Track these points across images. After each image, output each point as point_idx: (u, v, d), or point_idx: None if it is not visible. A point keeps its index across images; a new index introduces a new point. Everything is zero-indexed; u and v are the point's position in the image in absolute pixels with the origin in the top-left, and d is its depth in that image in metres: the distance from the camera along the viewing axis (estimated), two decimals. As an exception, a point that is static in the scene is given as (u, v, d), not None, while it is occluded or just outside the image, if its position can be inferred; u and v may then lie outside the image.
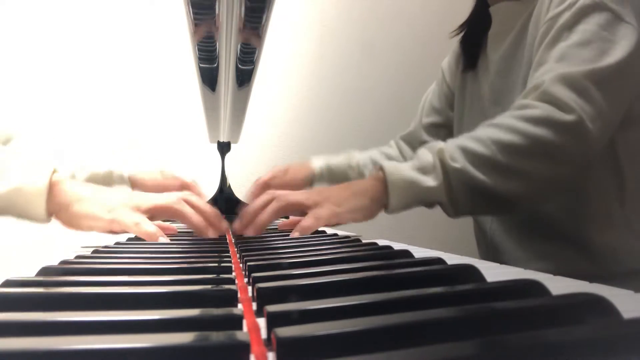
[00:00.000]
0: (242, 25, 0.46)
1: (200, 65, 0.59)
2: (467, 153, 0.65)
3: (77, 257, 0.46)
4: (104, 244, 0.59)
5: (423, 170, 0.66)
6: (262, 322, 0.26)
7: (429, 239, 1.58)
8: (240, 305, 0.29)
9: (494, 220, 0.89)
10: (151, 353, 0.19)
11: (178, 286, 0.31)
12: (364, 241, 0.57)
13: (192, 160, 1.46)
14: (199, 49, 0.54)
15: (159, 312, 0.24)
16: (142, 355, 0.19)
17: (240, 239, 0.64)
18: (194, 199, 0.65)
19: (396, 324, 0.21)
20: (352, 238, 0.60)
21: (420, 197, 0.66)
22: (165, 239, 0.60)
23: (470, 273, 0.33)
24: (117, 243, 0.61)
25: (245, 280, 0.38)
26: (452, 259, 0.41)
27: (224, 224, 0.67)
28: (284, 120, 1.59)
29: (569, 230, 0.78)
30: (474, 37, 0.92)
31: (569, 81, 0.64)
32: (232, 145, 1.04)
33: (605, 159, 0.75)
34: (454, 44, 0.99)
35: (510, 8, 0.83)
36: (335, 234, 0.68)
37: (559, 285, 0.28)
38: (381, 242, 0.55)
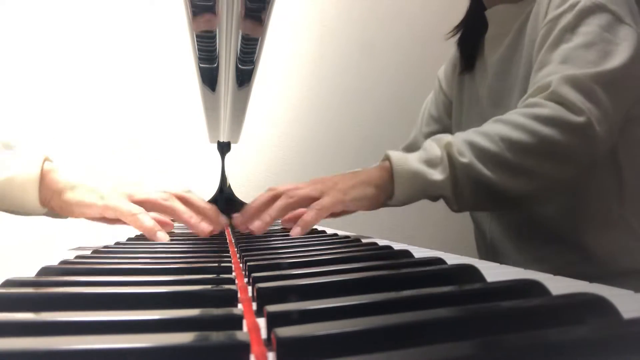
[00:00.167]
0: (244, 13, 0.46)
1: (200, 65, 0.59)
2: (475, 148, 0.65)
3: (77, 257, 0.46)
4: (103, 244, 0.59)
5: (430, 162, 0.66)
6: (262, 322, 0.26)
7: (429, 239, 1.58)
8: (240, 305, 0.29)
9: (492, 222, 0.89)
10: (151, 353, 0.19)
11: (178, 286, 0.31)
12: (364, 241, 0.57)
13: (192, 160, 1.46)
14: (199, 49, 0.54)
15: (159, 312, 0.24)
16: (142, 355, 0.19)
17: (240, 239, 0.63)
18: (190, 196, 0.65)
19: (396, 324, 0.21)
20: (352, 238, 0.60)
21: (425, 190, 0.66)
22: (164, 235, 0.60)
23: (470, 273, 0.33)
24: (117, 243, 0.61)
25: (245, 280, 0.38)
26: (452, 259, 0.41)
27: (223, 219, 0.67)
28: (284, 120, 1.59)
29: (568, 231, 0.78)
30: (470, 39, 0.92)
31: (576, 83, 0.64)
32: (232, 145, 1.04)
33: (604, 160, 0.75)
34: (454, 44, 0.99)
35: (507, 11, 0.83)
36: (335, 234, 0.68)
37: (559, 285, 0.28)
38: (381, 242, 0.55)
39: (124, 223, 0.61)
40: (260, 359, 0.20)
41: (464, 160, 0.65)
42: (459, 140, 0.67)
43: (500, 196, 0.66)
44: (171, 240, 0.61)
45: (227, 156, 1.03)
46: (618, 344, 0.19)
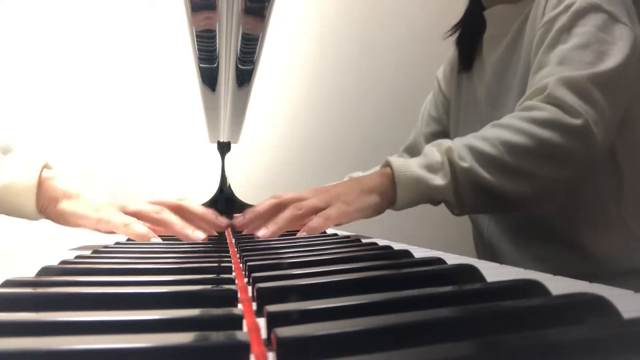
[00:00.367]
0: (244, 11, 0.46)
1: (200, 65, 0.59)
2: (475, 152, 0.66)
3: (77, 257, 0.46)
4: (103, 244, 0.59)
5: (431, 168, 0.66)
6: (262, 322, 0.26)
7: (429, 239, 1.58)
8: (240, 305, 0.29)
9: (491, 223, 0.90)
10: (151, 353, 0.19)
11: (178, 286, 0.31)
12: (364, 241, 0.57)
13: (192, 160, 1.46)
14: (199, 49, 0.54)
15: (159, 312, 0.24)
16: (142, 355, 0.19)
17: (240, 239, 0.63)
18: (186, 203, 0.65)
19: (396, 324, 0.21)
20: (352, 238, 0.60)
21: (427, 195, 0.67)
22: (157, 239, 0.60)
23: (470, 273, 0.33)
24: (117, 243, 0.61)
25: (245, 280, 0.38)
26: (452, 259, 0.41)
27: (223, 220, 0.66)
28: (284, 120, 1.59)
29: (566, 232, 0.78)
30: (469, 38, 0.92)
31: (573, 85, 0.65)
32: (232, 145, 1.04)
33: (603, 161, 0.75)
34: (453, 44, 0.99)
35: (506, 11, 0.83)
36: (335, 234, 0.68)
37: (559, 285, 0.28)
38: (381, 242, 0.55)
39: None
40: (260, 359, 0.20)
41: (465, 164, 0.65)
42: (459, 145, 0.67)
43: (501, 199, 0.66)
44: (171, 240, 0.61)
45: (227, 156, 1.03)
46: (618, 344, 0.19)
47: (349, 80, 1.64)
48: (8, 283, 0.31)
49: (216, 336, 0.20)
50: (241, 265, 0.46)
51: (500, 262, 0.86)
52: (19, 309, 0.26)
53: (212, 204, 1.05)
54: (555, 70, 0.67)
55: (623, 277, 0.74)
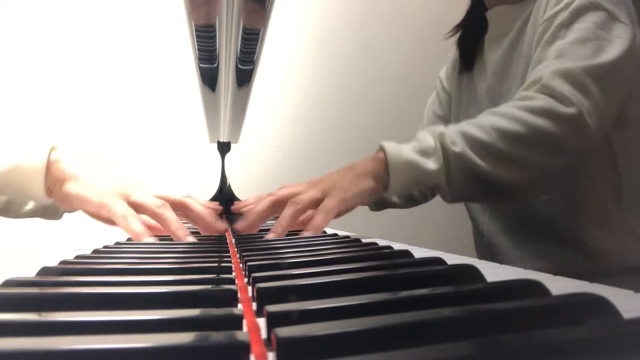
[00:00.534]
0: (244, 8, 0.46)
1: (200, 65, 0.59)
2: (468, 138, 0.66)
3: (77, 257, 0.46)
4: (103, 244, 0.59)
5: (424, 152, 0.67)
6: (262, 322, 0.26)
7: (429, 239, 1.58)
8: (240, 305, 0.29)
9: (491, 221, 0.90)
10: (151, 353, 0.19)
11: (178, 286, 0.31)
12: (364, 241, 0.57)
13: (192, 160, 1.46)
14: (199, 49, 0.54)
15: (159, 312, 0.24)
16: (142, 355, 0.19)
17: (240, 239, 0.63)
18: (189, 201, 0.65)
19: (396, 324, 0.21)
20: (352, 238, 0.60)
21: (420, 180, 0.67)
22: (152, 239, 0.59)
23: (470, 273, 0.33)
24: (117, 243, 0.61)
25: (245, 280, 0.38)
26: (452, 259, 0.41)
27: (220, 225, 0.66)
28: (284, 120, 1.59)
29: (566, 230, 0.78)
30: (470, 39, 0.93)
31: (568, 76, 0.65)
32: (232, 145, 1.04)
33: (602, 159, 0.75)
34: (454, 44, 0.99)
35: (507, 11, 0.84)
36: (335, 234, 0.68)
37: (558, 285, 0.28)
38: (381, 242, 0.55)
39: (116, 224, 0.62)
40: (260, 359, 0.20)
41: (457, 149, 0.65)
42: (452, 130, 0.68)
43: (493, 186, 0.67)
44: (171, 240, 0.61)
45: (227, 156, 1.04)
46: (618, 344, 0.19)
47: (349, 80, 1.64)
48: (8, 283, 0.31)
49: (216, 336, 0.20)
50: (241, 265, 0.46)
51: (500, 260, 0.86)
52: (19, 309, 0.26)
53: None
54: (552, 63, 0.68)
55: (623, 275, 0.74)
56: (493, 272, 0.35)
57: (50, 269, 0.38)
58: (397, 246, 0.50)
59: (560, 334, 0.19)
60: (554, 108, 0.64)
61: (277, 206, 0.65)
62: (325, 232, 0.72)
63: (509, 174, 0.65)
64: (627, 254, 0.76)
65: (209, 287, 0.30)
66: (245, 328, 0.25)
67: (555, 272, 0.34)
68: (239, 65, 0.59)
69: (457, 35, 0.97)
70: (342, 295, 0.26)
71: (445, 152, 0.66)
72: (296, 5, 1.59)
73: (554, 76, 0.66)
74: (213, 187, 1.03)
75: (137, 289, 0.29)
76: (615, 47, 0.67)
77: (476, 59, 0.92)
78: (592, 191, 0.77)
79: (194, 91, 0.74)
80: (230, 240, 0.67)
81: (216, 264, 0.41)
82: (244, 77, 0.63)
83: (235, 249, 0.56)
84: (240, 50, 0.55)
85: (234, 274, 0.39)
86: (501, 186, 0.66)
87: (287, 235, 0.65)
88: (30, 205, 0.72)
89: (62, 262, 0.42)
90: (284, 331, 0.20)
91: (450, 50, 1.03)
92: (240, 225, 0.66)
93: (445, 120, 1.03)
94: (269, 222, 0.71)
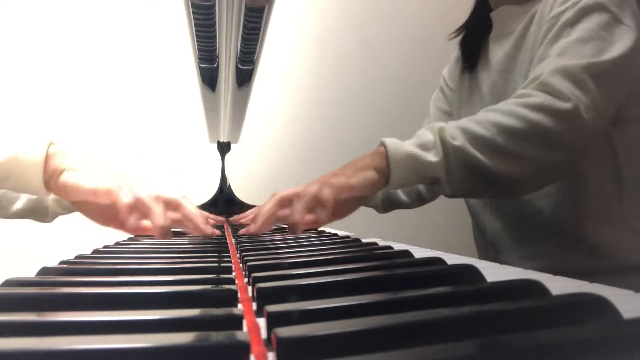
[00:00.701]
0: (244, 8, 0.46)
1: (200, 65, 0.59)
2: (467, 133, 0.67)
3: (77, 257, 0.46)
4: (103, 244, 0.59)
5: (424, 146, 0.68)
6: (262, 322, 0.26)
7: (429, 239, 1.58)
8: (240, 305, 0.29)
9: (492, 219, 0.90)
10: (151, 353, 0.19)
11: (178, 286, 0.31)
12: (364, 241, 0.57)
13: (192, 160, 1.46)
14: (199, 49, 0.54)
15: (159, 312, 0.24)
16: (142, 355, 0.19)
17: (240, 239, 0.64)
18: (182, 200, 0.65)
19: (396, 324, 0.21)
20: (352, 238, 0.60)
21: (420, 173, 0.68)
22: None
23: (470, 273, 0.33)
24: (117, 243, 0.61)
25: (245, 280, 0.38)
26: (452, 259, 0.41)
27: (209, 229, 0.66)
28: (284, 120, 1.59)
29: (567, 228, 0.79)
30: (474, 40, 0.93)
31: (567, 73, 0.66)
32: (232, 145, 1.04)
33: (603, 156, 0.76)
34: (454, 43, 0.99)
35: (512, 11, 0.85)
36: (335, 234, 0.68)
37: (559, 285, 0.28)
38: (381, 242, 0.55)
39: (115, 223, 0.62)
40: (260, 359, 0.20)
41: (457, 143, 0.66)
42: (451, 126, 0.69)
43: (492, 180, 0.67)
44: (171, 240, 0.61)
45: (227, 156, 1.04)
46: (618, 344, 0.19)
47: (349, 80, 1.64)
48: (8, 283, 0.31)
49: (216, 336, 0.20)
50: (241, 265, 0.46)
51: (501, 259, 0.86)
52: (19, 309, 0.26)
53: (212, 204, 1.06)
54: (553, 61, 0.69)
55: (625, 273, 0.74)
56: (493, 272, 0.35)
57: (50, 269, 0.38)
58: (397, 246, 0.50)
59: (560, 334, 0.19)
60: (551, 104, 0.65)
61: (282, 204, 0.67)
62: (325, 232, 0.72)
63: (507, 167, 0.66)
64: (630, 252, 0.76)
65: (209, 287, 0.30)
66: (245, 328, 0.25)
67: (556, 270, 0.34)
68: (239, 65, 0.59)
69: (460, 37, 0.97)
70: (342, 295, 0.26)
71: (445, 146, 0.67)
72: (296, 5, 1.59)
73: (553, 73, 0.67)
74: (213, 187, 1.03)
75: (137, 289, 0.29)
76: (616, 48, 0.68)
77: (480, 58, 0.92)
78: (593, 188, 0.77)
79: (194, 91, 0.74)
80: (230, 240, 0.67)
81: (216, 264, 0.41)
82: (244, 77, 0.63)
83: (235, 249, 0.56)
84: (240, 50, 0.55)
85: (234, 274, 0.39)
86: (500, 180, 0.67)
87: (287, 235, 0.65)
88: (19, 205, 0.72)
89: (62, 262, 0.42)
90: (284, 331, 0.20)
91: (450, 50, 1.03)
92: (251, 228, 0.67)
93: (451, 115, 1.03)
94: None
